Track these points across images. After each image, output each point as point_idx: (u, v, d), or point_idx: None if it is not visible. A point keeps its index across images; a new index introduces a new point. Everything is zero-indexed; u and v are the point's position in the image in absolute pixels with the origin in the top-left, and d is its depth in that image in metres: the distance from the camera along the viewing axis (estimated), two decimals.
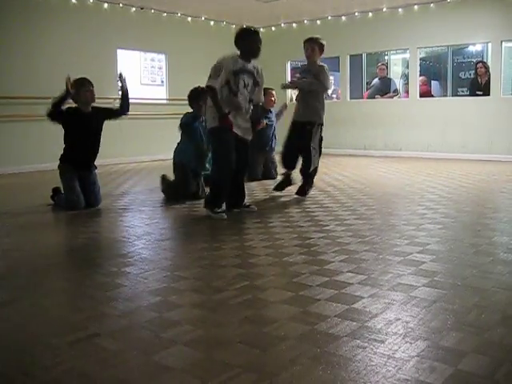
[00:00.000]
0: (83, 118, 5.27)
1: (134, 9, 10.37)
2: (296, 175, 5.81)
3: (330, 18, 11.53)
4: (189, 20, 11.36)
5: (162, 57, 11.27)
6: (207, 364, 1.95)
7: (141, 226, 4.51)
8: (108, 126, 9.89)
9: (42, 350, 2.11)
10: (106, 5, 9.91)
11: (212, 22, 11.76)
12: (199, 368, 1.92)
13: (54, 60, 9.15)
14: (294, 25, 11.96)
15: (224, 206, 4.82)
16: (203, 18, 11.53)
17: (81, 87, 5.25)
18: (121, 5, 10.11)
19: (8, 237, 4.23)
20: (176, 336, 2.19)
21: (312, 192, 5.86)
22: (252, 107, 4.92)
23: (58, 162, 5.36)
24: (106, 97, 9.87)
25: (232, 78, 4.65)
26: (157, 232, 4.27)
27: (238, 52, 4.78)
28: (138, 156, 10.39)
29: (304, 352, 2.02)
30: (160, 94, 11.38)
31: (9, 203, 5.78)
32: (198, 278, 3.04)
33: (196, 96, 5.86)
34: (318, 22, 11.64)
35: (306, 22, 11.81)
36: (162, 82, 11.44)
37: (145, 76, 11.75)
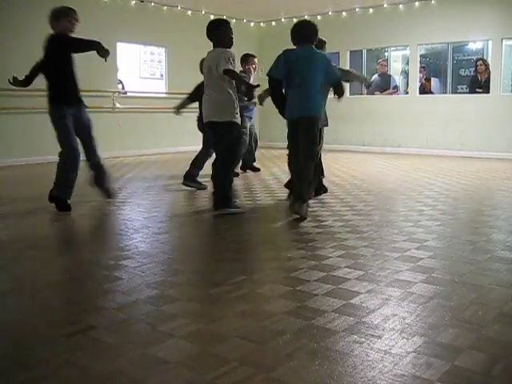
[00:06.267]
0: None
1: (133, 2, 10.33)
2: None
3: (330, 13, 11.51)
4: (189, 14, 11.33)
5: (162, 50, 11.25)
6: (204, 358, 1.95)
7: (139, 220, 4.51)
8: (105, 119, 9.95)
9: (39, 342, 2.11)
10: None
11: (212, 16, 11.70)
12: (196, 361, 1.92)
13: None
14: (295, 20, 11.91)
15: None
16: (203, 12, 11.50)
17: (65, 16, 4.83)
18: None
19: (6, 229, 4.22)
20: (173, 329, 2.19)
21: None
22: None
23: (49, 104, 4.85)
24: (105, 90, 9.87)
25: None
26: (154, 225, 4.26)
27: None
28: (137, 150, 10.37)
29: (301, 347, 2.02)
30: (159, 87, 11.36)
31: (2, 196, 5.77)
32: (195, 272, 3.04)
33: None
34: (319, 17, 11.60)
35: (306, 17, 11.76)
36: (162, 75, 11.42)
37: (144, 69, 11.74)
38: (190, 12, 11.32)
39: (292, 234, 3.88)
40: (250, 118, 7.26)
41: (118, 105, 10.04)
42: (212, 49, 4.70)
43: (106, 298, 2.60)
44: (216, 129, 4.65)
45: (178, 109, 6.26)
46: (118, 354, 1.98)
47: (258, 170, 7.70)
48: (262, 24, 12.82)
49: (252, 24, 12.77)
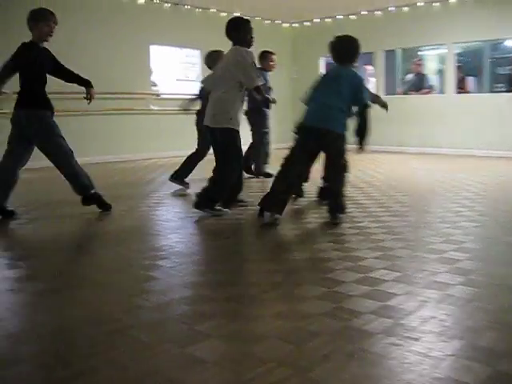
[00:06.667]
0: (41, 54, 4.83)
1: (167, 4, 10.44)
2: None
3: (364, 13, 11.42)
4: (222, 15, 11.38)
5: (197, 53, 11.31)
6: (241, 358, 1.96)
7: (175, 220, 4.55)
8: (144, 120, 10.07)
9: (79, 339, 2.15)
10: (139, 0, 10.01)
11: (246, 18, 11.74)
12: (232, 362, 1.93)
13: (86, 56, 9.23)
14: (328, 20, 11.88)
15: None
16: (237, 14, 11.52)
17: (44, 20, 4.64)
18: (155, 0, 10.21)
19: (45, 230, 4.30)
20: (209, 329, 2.20)
21: (346, 188, 5.61)
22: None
23: (41, 110, 4.66)
24: (140, 92, 10.00)
25: None
26: (190, 226, 4.30)
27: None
28: (171, 151, 10.45)
29: (338, 348, 2.01)
30: (194, 89, 11.41)
31: (39, 199, 5.88)
32: (231, 272, 3.05)
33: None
34: (352, 17, 11.54)
35: (339, 17, 11.71)
36: (197, 77, 11.48)
37: (180, 72, 11.82)
38: (223, 14, 11.37)
39: (328, 235, 3.86)
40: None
41: (152, 107, 10.16)
42: (232, 47, 4.73)
43: (143, 297, 2.62)
44: (215, 135, 4.63)
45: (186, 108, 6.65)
46: (154, 353, 2.00)
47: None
48: (295, 25, 12.80)
49: (285, 25, 12.76)
